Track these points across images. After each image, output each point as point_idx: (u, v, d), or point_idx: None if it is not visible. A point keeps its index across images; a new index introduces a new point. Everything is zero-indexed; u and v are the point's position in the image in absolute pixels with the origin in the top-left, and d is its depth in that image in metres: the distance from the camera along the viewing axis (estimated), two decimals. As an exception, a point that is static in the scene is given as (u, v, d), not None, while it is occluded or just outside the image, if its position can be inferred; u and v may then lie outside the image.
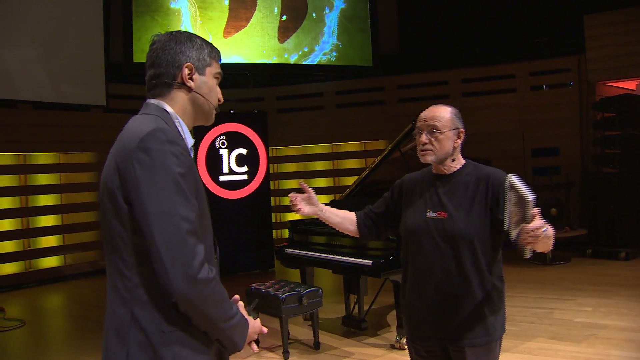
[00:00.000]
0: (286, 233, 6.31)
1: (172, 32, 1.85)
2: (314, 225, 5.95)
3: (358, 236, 2.80)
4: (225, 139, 8.82)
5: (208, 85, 1.88)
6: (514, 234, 2.10)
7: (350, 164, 11.17)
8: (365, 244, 5.20)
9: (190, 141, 1.82)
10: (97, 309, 7.31)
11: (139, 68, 9.79)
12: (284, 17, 10.34)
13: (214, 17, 9.90)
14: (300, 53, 10.45)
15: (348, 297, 5.74)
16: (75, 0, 8.96)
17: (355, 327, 5.53)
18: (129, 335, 1.64)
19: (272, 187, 10.20)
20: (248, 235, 8.89)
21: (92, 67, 9.13)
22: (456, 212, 2.46)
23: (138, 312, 1.64)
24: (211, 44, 1.92)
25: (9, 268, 8.65)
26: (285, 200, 11.34)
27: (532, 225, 2.01)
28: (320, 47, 10.55)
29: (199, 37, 1.90)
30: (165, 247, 1.57)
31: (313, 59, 10.54)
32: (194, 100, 1.86)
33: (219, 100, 1.93)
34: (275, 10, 10.29)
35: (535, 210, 2.01)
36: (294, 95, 11.64)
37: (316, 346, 5.14)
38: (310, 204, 2.67)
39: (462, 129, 2.55)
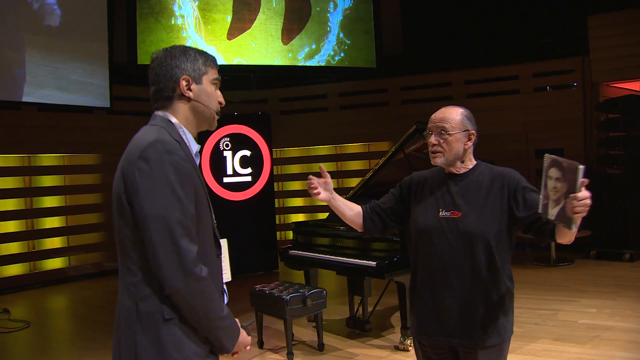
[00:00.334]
0: (290, 234, 6.32)
1: (167, 48, 2.01)
2: (318, 227, 5.96)
3: (361, 230, 2.75)
4: (229, 141, 8.84)
5: (207, 92, 2.02)
6: (554, 212, 2.11)
7: (354, 165, 11.18)
8: (369, 246, 5.20)
9: (195, 147, 2.00)
10: (102, 310, 7.32)
11: (143, 70, 9.79)
12: (288, 19, 10.35)
13: (218, 19, 9.92)
14: (303, 55, 10.46)
15: (352, 299, 5.74)
16: (79, 2, 8.98)
17: (360, 328, 5.53)
18: (136, 324, 1.84)
19: (276, 189, 10.22)
20: (252, 237, 8.90)
21: (96, 68, 9.15)
22: (471, 212, 2.45)
23: (142, 303, 1.84)
24: (206, 52, 2.05)
25: (14, 269, 8.67)
26: (289, 202, 11.38)
27: (583, 194, 2.02)
28: (324, 48, 10.56)
29: (193, 48, 2.04)
30: (160, 245, 1.76)
31: (317, 61, 10.55)
32: (195, 109, 2.01)
33: (220, 104, 2.07)
34: (279, 12, 10.29)
35: (585, 180, 2.03)
36: (298, 97, 11.65)
37: (320, 347, 5.14)
38: (325, 190, 2.63)
39: (473, 131, 2.53)
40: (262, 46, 10.20)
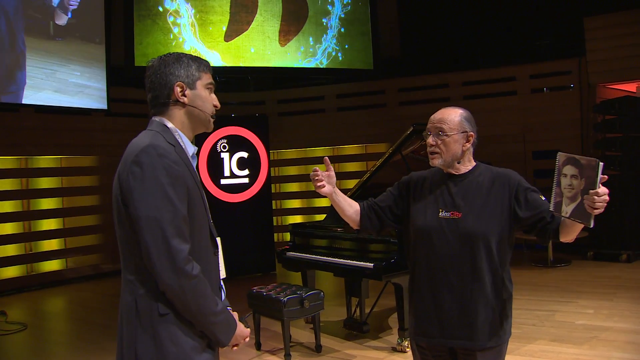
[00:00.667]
0: (287, 236, 6.32)
1: (161, 56, 2.10)
2: (316, 229, 5.97)
3: (358, 227, 2.73)
4: (226, 143, 8.83)
5: (201, 97, 2.10)
6: (569, 209, 2.14)
7: (352, 167, 11.18)
8: (366, 247, 5.21)
9: (191, 150, 2.10)
10: (99, 312, 7.32)
11: (140, 72, 9.77)
12: (285, 21, 10.36)
13: (215, 21, 9.92)
14: (301, 56, 10.46)
15: (349, 300, 5.73)
16: (85, 3, 8.97)
17: (357, 329, 5.53)
18: (135, 319, 1.94)
19: (273, 191, 10.21)
20: (249, 239, 8.89)
21: (94, 71, 9.14)
22: (471, 212, 2.45)
23: (140, 300, 1.94)
24: (199, 58, 2.13)
25: (11, 271, 8.66)
26: (287, 204, 11.38)
27: (603, 189, 2.05)
28: (321, 50, 10.56)
29: (186, 55, 2.12)
30: (153, 245, 1.86)
31: (314, 62, 10.55)
32: (190, 113, 2.10)
33: (215, 107, 2.14)
34: (276, 13, 10.30)
35: (605, 176, 2.05)
36: (295, 99, 11.66)
37: (318, 349, 5.14)
38: (328, 183, 2.60)
39: (472, 133, 2.54)
40: (259, 48, 10.19)
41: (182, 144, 2.05)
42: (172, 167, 1.91)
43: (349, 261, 5.18)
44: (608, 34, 9.36)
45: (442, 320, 2.47)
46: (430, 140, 2.53)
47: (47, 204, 9.17)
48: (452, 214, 2.48)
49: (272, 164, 10.00)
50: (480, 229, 2.42)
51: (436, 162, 2.53)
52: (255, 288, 5.26)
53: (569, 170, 2.14)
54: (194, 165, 2.11)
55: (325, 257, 5.49)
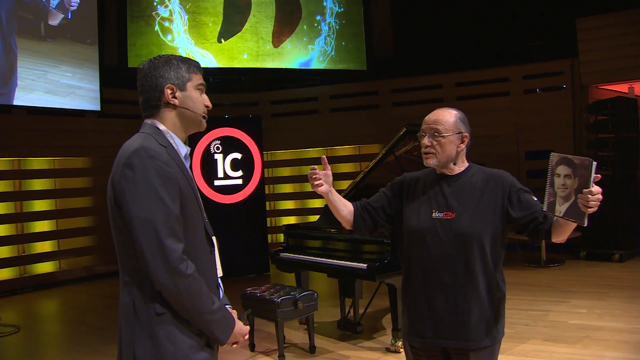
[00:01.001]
0: (281, 237, 6.32)
1: (151, 59, 2.11)
2: (309, 230, 5.98)
3: (351, 227, 2.71)
4: (220, 144, 8.83)
5: (192, 98, 2.12)
6: (562, 208, 2.16)
7: (345, 167, 11.18)
8: (360, 248, 5.22)
9: (183, 150, 2.11)
10: (93, 314, 7.30)
11: (133, 73, 9.74)
12: (278, 22, 10.36)
13: (208, 22, 9.91)
14: (294, 57, 10.47)
15: (343, 301, 5.74)
16: (77, 4, 8.94)
17: (351, 330, 5.54)
18: (134, 320, 1.95)
19: (267, 192, 10.21)
20: (243, 240, 8.88)
21: (87, 72, 9.12)
22: (464, 213, 2.46)
23: (137, 300, 1.96)
24: (189, 59, 2.14)
25: (4, 274, 8.62)
26: (280, 205, 11.38)
27: (597, 188, 2.08)
28: (315, 51, 10.57)
29: (176, 57, 2.14)
30: (147, 245, 1.88)
31: (307, 64, 10.56)
32: (182, 114, 2.11)
33: (207, 107, 2.16)
34: (270, 15, 10.30)
35: (598, 175, 2.08)
36: (289, 100, 11.66)
37: (312, 350, 5.14)
38: (325, 182, 2.57)
39: (466, 134, 2.54)
40: (252, 49, 10.19)
41: (174, 145, 2.07)
42: (163, 168, 1.93)
43: (342, 262, 5.18)
44: (600, 35, 9.41)
45: (435, 321, 2.48)
46: (426, 141, 2.53)
47: (40, 205, 9.13)
48: (445, 214, 2.48)
49: (265, 165, 10.00)
50: (474, 229, 2.43)
51: (431, 162, 2.53)
52: (249, 289, 5.26)
53: (562, 170, 2.16)
54: (188, 165, 2.12)
55: (318, 258, 5.50)
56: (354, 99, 11.39)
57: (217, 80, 10.58)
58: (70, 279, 9.26)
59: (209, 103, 2.17)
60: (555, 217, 2.29)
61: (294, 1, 10.46)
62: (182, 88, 2.09)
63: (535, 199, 2.46)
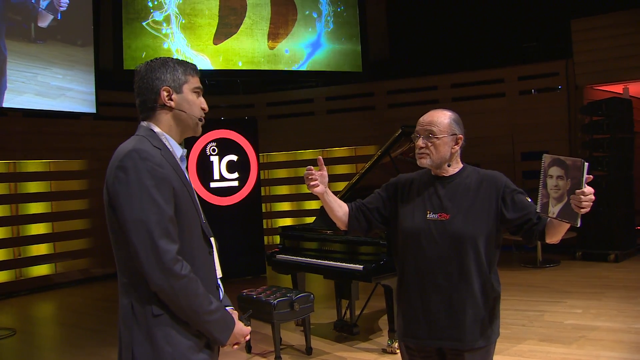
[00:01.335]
0: (277, 239, 6.32)
1: (148, 62, 2.12)
2: (305, 231, 5.98)
3: (345, 228, 2.71)
4: (215, 146, 8.83)
5: (188, 100, 2.12)
6: (556, 210, 2.18)
7: (341, 169, 11.18)
8: (356, 249, 5.22)
9: (179, 152, 2.12)
10: (89, 317, 7.29)
11: (129, 75, 9.74)
12: (274, 24, 10.37)
13: (204, 24, 9.91)
14: (290, 59, 10.47)
15: (340, 302, 5.74)
16: (68, 6, 8.92)
17: (347, 332, 5.54)
18: (132, 322, 1.96)
19: (263, 193, 10.21)
20: (239, 242, 8.88)
21: (83, 74, 9.10)
22: (459, 214, 2.47)
23: (135, 301, 1.97)
24: (186, 62, 2.14)
25: (0, 277, 8.60)
26: (276, 207, 11.38)
27: (589, 189, 2.10)
28: (310, 53, 10.58)
29: (172, 59, 2.13)
30: (141, 247, 1.89)
31: (303, 65, 10.57)
32: (177, 117, 2.12)
33: (203, 110, 2.16)
34: (265, 16, 10.30)
35: (590, 176, 2.10)
36: (285, 102, 11.66)
37: (308, 351, 5.14)
38: (321, 183, 2.54)
39: (461, 135, 2.55)
40: (248, 51, 10.19)
41: (169, 147, 2.08)
42: (155, 169, 1.94)
43: (338, 263, 5.19)
44: (595, 36, 9.44)
45: (430, 322, 2.49)
46: (420, 142, 2.54)
47: (36, 208, 9.12)
48: (439, 215, 2.49)
49: (261, 166, 10.00)
50: (468, 230, 2.44)
51: (424, 161, 2.54)
52: (245, 291, 5.26)
53: (554, 171, 2.18)
54: (184, 167, 2.12)
55: (315, 260, 5.50)
56: (350, 101, 11.41)
57: (213, 82, 10.58)
58: (66, 281, 9.24)
59: (205, 106, 2.17)
60: (548, 218, 2.30)
61: (290, 3, 10.47)
62: (179, 90, 2.10)
63: (529, 200, 2.47)
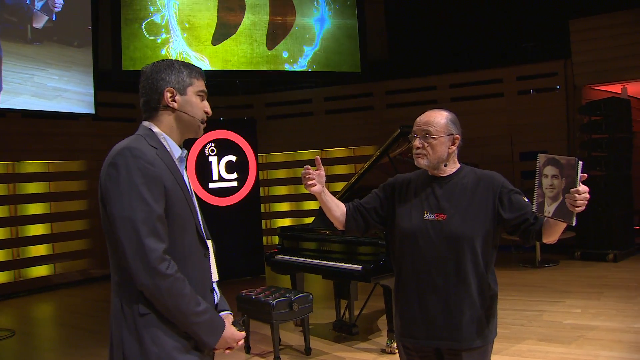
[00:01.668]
0: (276, 239, 6.32)
1: (155, 62, 2.14)
2: (304, 232, 5.98)
3: (343, 228, 2.72)
4: (214, 146, 8.83)
5: (191, 103, 2.13)
6: (551, 209, 2.19)
7: (340, 169, 11.20)
8: (355, 250, 5.22)
9: (177, 153, 2.12)
10: (88, 317, 7.29)
11: (127, 76, 9.80)
12: (272, 25, 10.37)
13: (203, 24, 9.91)
14: (288, 60, 10.47)
15: (338, 303, 5.74)
16: (64, 8, 8.92)
17: (346, 332, 5.54)
18: (121, 321, 1.96)
19: (261, 194, 10.22)
20: (238, 242, 8.88)
21: (81, 75, 9.09)
22: (456, 214, 2.47)
23: (124, 300, 1.96)
24: (191, 65, 2.15)
25: (-1, 278, 8.61)
26: (275, 207, 11.38)
27: (584, 187, 2.10)
28: (309, 53, 10.58)
29: (179, 61, 2.15)
30: (127, 245, 1.89)
31: (302, 66, 10.56)
32: (180, 118, 2.13)
33: (207, 114, 2.17)
34: (264, 17, 10.30)
35: (584, 175, 2.11)
36: (283, 102, 11.67)
37: (307, 352, 5.14)
38: (318, 182, 2.56)
39: (458, 135, 2.55)
40: (247, 51, 10.20)
41: (167, 147, 2.08)
42: (147, 167, 1.94)
43: (337, 264, 5.19)
44: (593, 36, 9.45)
45: (428, 322, 2.49)
46: (417, 142, 2.54)
47: (34, 209, 9.11)
48: (437, 216, 2.49)
49: (260, 167, 10.00)
50: (465, 230, 2.44)
51: (422, 162, 2.54)
52: (244, 291, 5.26)
53: (549, 170, 2.19)
54: (183, 167, 2.12)
55: (313, 260, 5.51)
56: (348, 101, 11.42)
57: (212, 83, 10.49)
58: (65, 282, 9.23)
59: (209, 110, 2.18)
60: (545, 218, 2.31)
61: (288, 3, 10.47)
62: (183, 92, 2.11)
63: (526, 200, 2.48)
